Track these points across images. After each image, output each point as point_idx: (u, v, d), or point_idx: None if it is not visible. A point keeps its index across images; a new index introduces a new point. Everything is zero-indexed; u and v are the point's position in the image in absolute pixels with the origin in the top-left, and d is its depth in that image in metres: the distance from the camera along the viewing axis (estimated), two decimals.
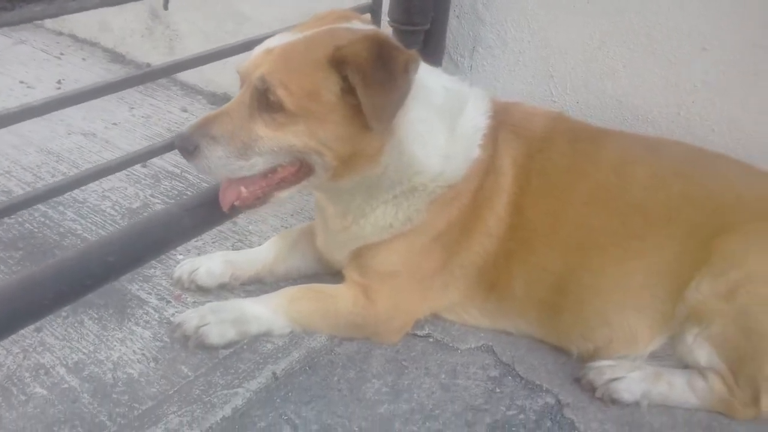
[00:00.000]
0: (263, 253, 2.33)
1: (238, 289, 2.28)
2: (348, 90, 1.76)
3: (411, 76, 1.79)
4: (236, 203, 1.90)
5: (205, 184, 2.81)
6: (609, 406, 1.96)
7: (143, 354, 2.04)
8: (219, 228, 2.52)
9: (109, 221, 2.64)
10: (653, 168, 2.04)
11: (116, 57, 4.20)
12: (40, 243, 2.48)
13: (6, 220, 2.51)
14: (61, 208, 2.68)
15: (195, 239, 2.40)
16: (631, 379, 1.96)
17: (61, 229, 2.57)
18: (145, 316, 2.18)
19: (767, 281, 1.84)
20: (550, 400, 1.98)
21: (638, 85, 2.54)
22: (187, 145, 1.79)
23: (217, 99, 3.67)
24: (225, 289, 2.27)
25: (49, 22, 4.47)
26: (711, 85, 2.39)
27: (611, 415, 1.94)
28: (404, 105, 1.81)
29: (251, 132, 1.79)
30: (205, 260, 2.28)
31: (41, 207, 2.63)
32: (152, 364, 2.00)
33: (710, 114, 2.42)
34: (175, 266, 2.32)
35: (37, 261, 2.36)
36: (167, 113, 3.55)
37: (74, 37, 4.43)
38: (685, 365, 1.98)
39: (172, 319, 2.13)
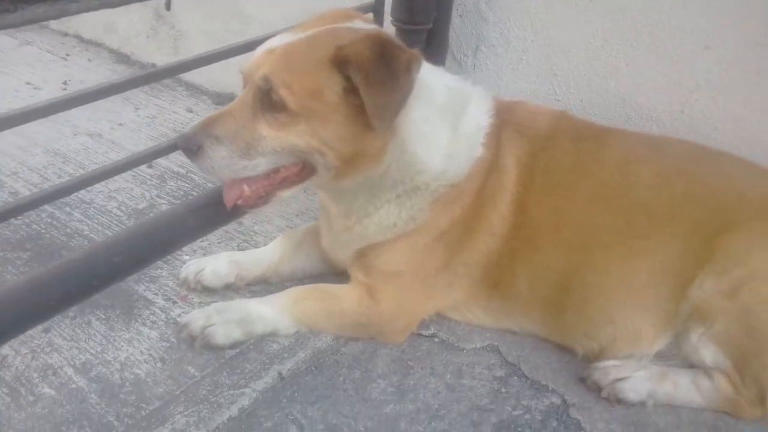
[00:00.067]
0: (268, 254, 2.34)
1: (243, 290, 2.29)
2: (350, 89, 1.77)
3: (413, 75, 1.79)
4: (239, 202, 1.90)
5: (210, 185, 2.82)
6: (614, 406, 1.96)
7: (150, 354, 2.05)
8: (224, 228, 2.54)
9: (116, 222, 2.65)
10: (657, 166, 2.04)
11: (121, 58, 4.22)
12: (48, 244, 2.50)
13: (13, 221, 2.52)
14: (67, 208, 2.69)
15: (201, 240, 2.42)
16: (637, 379, 1.96)
17: (68, 230, 2.58)
18: (151, 316, 2.19)
19: None
20: (556, 400, 1.99)
21: (641, 83, 2.54)
22: (191, 145, 1.80)
23: (222, 99, 3.68)
24: (230, 290, 2.28)
25: (54, 23, 4.49)
26: (714, 83, 2.39)
27: (617, 414, 1.94)
28: (406, 104, 1.81)
29: (254, 132, 1.80)
30: (211, 261, 2.29)
31: (48, 208, 2.64)
32: (159, 365, 2.02)
33: (713, 112, 2.42)
34: (181, 267, 2.33)
35: (45, 262, 2.38)
36: (172, 113, 3.57)
37: (80, 38, 4.44)
38: (691, 365, 1.97)
39: (178, 319, 2.14)
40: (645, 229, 1.97)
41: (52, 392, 1.91)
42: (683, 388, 1.95)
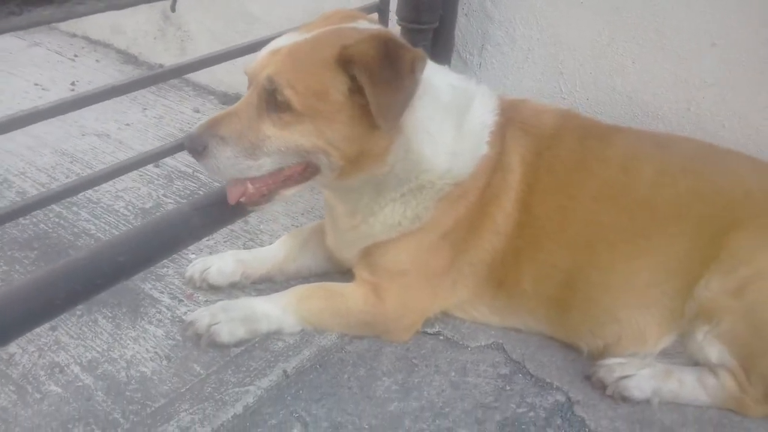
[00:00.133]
0: (274, 252, 2.34)
1: (249, 288, 2.30)
2: (355, 89, 1.77)
3: (418, 74, 1.79)
4: (242, 199, 1.91)
5: (216, 184, 2.83)
6: (619, 404, 1.95)
7: (156, 352, 2.06)
8: (230, 227, 2.55)
9: (123, 221, 2.67)
10: (663, 164, 2.03)
11: (129, 58, 4.24)
12: (55, 243, 2.52)
13: (21, 220, 2.54)
14: (75, 208, 2.71)
15: (206, 238, 2.43)
16: (642, 377, 1.95)
17: (76, 229, 2.60)
18: (157, 314, 2.20)
19: None
20: (561, 397, 1.99)
21: (648, 81, 2.53)
22: (196, 145, 1.81)
23: (229, 99, 3.69)
24: (236, 288, 2.29)
25: (62, 25, 4.51)
26: (721, 81, 2.38)
27: (621, 412, 1.94)
28: (411, 104, 1.81)
29: (259, 132, 1.80)
30: (217, 259, 2.30)
31: (56, 207, 2.66)
32: (165, 362, 2.03)
33: (720, 110, 2.41)
34: (187, 265, 2.34)
35: (52, 261, 2.39)
36: (179, 113, 3.58)
37: (88, 39, 4.47)
38: (696, 363, 1.97)
39: (184, 317, 2.15)
40: (651, 227, 1.96)
41: (59, 390, 1.93)
42: (688, 385, 1.95)
